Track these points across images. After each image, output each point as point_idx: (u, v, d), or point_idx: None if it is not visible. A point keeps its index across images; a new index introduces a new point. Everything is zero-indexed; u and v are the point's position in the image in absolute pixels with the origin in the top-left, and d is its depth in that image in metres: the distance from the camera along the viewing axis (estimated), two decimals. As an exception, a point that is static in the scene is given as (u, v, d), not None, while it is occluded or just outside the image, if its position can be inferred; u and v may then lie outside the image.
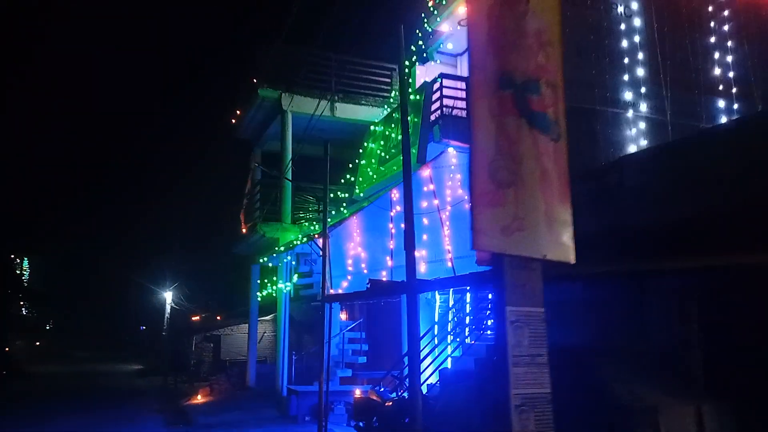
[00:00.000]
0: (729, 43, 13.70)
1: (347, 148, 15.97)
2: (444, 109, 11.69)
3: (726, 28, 13.52)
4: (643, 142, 13.81)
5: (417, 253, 11.90)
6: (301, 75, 15.56)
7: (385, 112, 15.36)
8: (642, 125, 13.75)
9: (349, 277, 11.70)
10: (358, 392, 10.30)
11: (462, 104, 12.45)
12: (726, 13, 13.53)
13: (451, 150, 11.91)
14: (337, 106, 15.52)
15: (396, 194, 11.69)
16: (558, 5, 3.83)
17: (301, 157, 15.55)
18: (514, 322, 3.30)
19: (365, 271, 11.47)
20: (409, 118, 12.63)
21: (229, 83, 41.61)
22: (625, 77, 13.87)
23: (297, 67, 15.70)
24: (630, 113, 13.64)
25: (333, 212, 12.91)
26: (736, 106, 13.24)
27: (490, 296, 12.44)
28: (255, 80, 15.18)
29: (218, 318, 28.86)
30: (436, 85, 11.95)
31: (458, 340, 12.50)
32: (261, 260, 14.71)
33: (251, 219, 15.76)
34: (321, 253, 10.49)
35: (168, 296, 32.26)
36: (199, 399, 16.29)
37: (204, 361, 25.94)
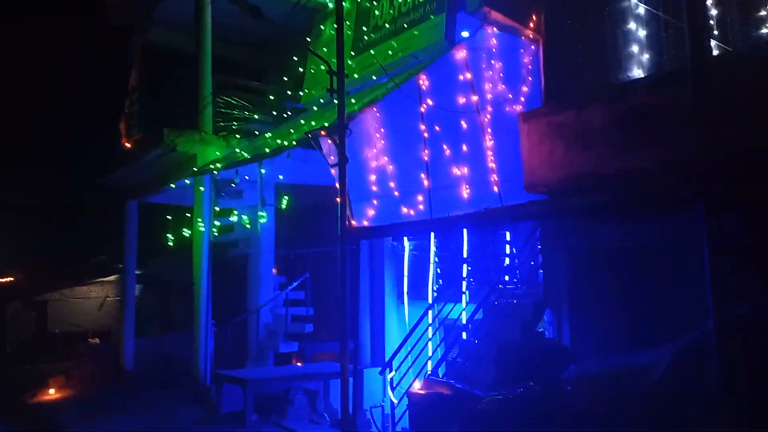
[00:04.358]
0: None
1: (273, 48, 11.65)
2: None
3: None
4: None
5: (457, 171, 8.19)
6: None
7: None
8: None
9: (375, 202, 7.54)
10: (417, 385, 6.40)
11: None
12: None
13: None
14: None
15: (425, 82, 7.75)
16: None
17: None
18: None
19: (396, 193, 7.43)
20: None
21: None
22: None
23: None
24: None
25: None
26: None
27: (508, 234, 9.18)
28: None
29: (45, 278, 21.99)
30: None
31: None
32: (169, 185, 9.73)
33: (143, 127, 10.64)
34: (336, 157, 6.30)
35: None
36: (54, 393, 10.93)
37: (24, 337, 19.49)
